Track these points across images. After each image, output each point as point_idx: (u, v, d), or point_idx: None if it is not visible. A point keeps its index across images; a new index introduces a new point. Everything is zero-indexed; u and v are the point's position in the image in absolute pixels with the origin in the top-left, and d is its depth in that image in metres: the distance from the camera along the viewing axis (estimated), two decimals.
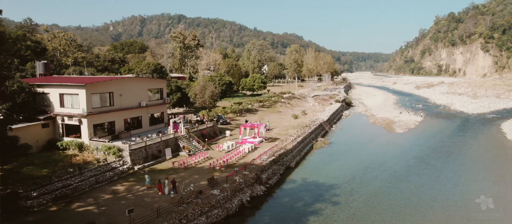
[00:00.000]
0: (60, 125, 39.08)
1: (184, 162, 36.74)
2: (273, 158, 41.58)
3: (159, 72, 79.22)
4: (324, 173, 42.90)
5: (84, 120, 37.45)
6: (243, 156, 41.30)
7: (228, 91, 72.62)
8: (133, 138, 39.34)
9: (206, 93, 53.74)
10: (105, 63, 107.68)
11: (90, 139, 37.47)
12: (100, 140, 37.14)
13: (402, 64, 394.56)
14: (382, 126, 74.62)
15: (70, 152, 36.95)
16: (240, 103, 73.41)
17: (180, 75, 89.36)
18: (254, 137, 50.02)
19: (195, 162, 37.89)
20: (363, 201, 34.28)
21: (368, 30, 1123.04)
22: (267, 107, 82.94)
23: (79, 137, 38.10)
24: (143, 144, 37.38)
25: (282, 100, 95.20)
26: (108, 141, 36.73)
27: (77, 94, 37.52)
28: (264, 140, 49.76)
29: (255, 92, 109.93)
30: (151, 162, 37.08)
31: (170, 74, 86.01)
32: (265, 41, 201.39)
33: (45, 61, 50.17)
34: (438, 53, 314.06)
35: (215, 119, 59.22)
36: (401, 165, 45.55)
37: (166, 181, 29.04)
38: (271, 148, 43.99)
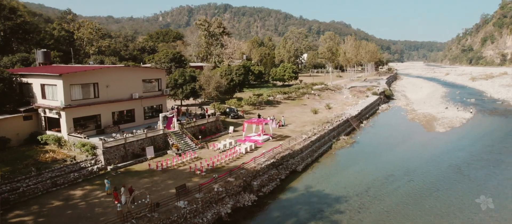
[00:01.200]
0: (43, 118, 36.65)
1: (162, 164, 32.40)
2: (272, 161, 35.86)
3: (178, 61, 76.05)
4: (334, 181, 36.36)
5: (63, 113, 34.52)
6: (238, 158, 36.09)
7: (245, 82, 67.52)
8: (114, 134, 35.79)
9: (211, 84, 49.14)
10: (134, 52, 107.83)
11: (68, 134, 34.53)
12: (77, 135, 34.02)
13: (459, 53, 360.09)
14: (420, 124, 65.01)
15: (49, 147, 34.37)
16: (259, 95, 67.90)
17: (201, 64, 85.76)
18: (260, 135, 44.51)
19: (178, 164, 33.42)
20: (370, 223, 27.57)
21: (422, 17, 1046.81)
22: (292, 99, 76.51)
23: (59, 131, 35.34)
24: (123, 141, 33.61)
25: (312, 91, 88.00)
26: (84, 137, 33.46)
27: (55, 85, 34.60)
28: (271, 138, 44.04)
29: (285, 83, 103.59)
30: (130, 162, 33.25)
31: (190, 64, 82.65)
32: (304, 29, 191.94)
33: (45, 50, 48.55)
34: (503, 41, 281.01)
35: (220, 112, 54.69)
36: (431, 175, 37.46)
37: (122, 189, 24.79)
38: (272, 148, 38.22)
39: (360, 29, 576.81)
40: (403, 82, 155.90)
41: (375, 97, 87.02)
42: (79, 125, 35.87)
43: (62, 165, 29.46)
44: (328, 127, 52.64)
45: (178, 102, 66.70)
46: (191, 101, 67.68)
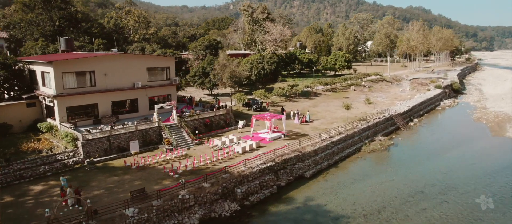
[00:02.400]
0: (44, 106, 36.46)
1: (139, 161, 29.52)
2: (269, 164, 30.84)
3: (214, 48, 73.42)
4: (345, 194, 30.08)
5: (55, 101, 33.68)
6: (231, 158, 31.77)
7: (279, 71, 62.01)
8: (102, 126, 34.01)
9: (225, 73, 45.08)
10: (183, 40, 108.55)
11: (60, 123, 33.64)
12: (65, 124, 32.89)
13: None
14: (487, 125, 53.24)
15: (44, 135, 33.94)
16: (294, 86, 62.08)
17: (239, 51, 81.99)
18: (274, 131, 39.47)
19: (158, 162, 30.30)
20: None
21: None
22: (334, 91, 69.04)
23: (55, 119, 34.73)
24: (107, 134, 31.57)
25: (363, 83, 78.96)
26: (71, 127, 32.15)
27: (49, 73, 33.81)
28: (283, 136, 38.72)
29: (337, 73, 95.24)
30: (113, 156, 31.06)
31: (231, 51, 79.52)
32: (370, 14, 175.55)
33: (67, 37, 49.14)
34: None
35: (243, 103, 50.60)
36: (473, 197, 28.85)
37: (69, 189, 22.31)
38: (272, 150, 33.04)
39: (441, 15, 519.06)
40: (483, 74, 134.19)
41: (437, 91, 74.71)
42: (75, 114, 34.90)
43: (36, 157, 28.31)
44: (360, 125, 45.25)
45: (207, 92, 64.31)
46: (221, 90, 64.71)
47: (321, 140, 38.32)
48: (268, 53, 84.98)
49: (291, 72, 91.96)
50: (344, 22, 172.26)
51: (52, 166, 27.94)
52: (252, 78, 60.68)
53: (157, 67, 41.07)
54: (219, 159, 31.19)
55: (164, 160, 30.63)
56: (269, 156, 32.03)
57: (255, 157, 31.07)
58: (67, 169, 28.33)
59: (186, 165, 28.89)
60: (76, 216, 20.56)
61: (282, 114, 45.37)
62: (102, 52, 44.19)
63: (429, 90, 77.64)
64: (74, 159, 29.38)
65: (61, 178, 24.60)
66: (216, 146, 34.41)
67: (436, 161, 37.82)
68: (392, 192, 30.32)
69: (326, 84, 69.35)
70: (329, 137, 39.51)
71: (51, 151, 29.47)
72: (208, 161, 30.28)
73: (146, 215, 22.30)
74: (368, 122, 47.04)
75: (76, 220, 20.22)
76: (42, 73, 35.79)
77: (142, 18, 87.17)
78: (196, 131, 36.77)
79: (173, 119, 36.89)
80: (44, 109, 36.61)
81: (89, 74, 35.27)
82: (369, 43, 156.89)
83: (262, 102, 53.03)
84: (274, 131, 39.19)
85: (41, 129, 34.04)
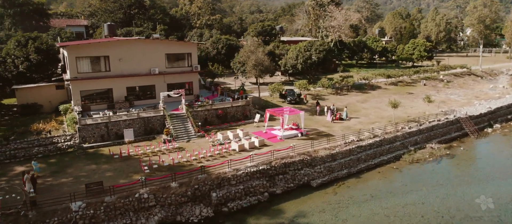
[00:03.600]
0: (68, 89, 38.13)
1: (121, 152, 28.23)
2: (262, 167, 26.73)
3: (268, 34, 69.78)
4: (347, 214, 24.52)
5: (71, 85, 34.71)
6: (222, 156, 28.52)
7: (326, 61, 54.97)
8: (106, 111, 33.82)
9: (250, 61, 41.12)
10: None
11: (74, 106, 34.65)
12: (76, 108, 33.65)
13: None
14: None
15: (61, 117, 35.51)
16: (345, 77, 55.05)
17: (296, 38, 76.14)
18: (292, 128, 34.88)
19: (146, 153, 28.69)
20: None
21: None
22: (395, 85, 59.51)
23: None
24: (106, 120, 31.21)
25: (441, 76, 66.86)
26: (77, 111, 32.65)
27: (66, 57, 34.88)
28: (300, 134, 33.76)
29: (415, 64, 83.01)
30: (107, 143, 30.57)
31: (282, 38, 74.79)
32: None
33: (110, 23, 50.95)
34: None
35: (279, 94, 46.41)
36: None
37: (26, 176, 21.98)
38: (272, 150, 28.62)
39: None
40: None
41: None
42: (89, 98, 35.65)
43: (34, 138, 29.28)
44: (407, 128, 37.33)
45: (251, 80, 61.43)
46: (267, 79, 61.20)
47: (345, 143, 32.32)
48: (332, 40, 77.84)
49: (361, 62, 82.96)
50: (436, 6, 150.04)
51: (45, 148, 28.57)
52: (298, 67, 55.58)
53: (177, 53, 39.62)
54: (211, 156, 28.24)
55: (152, 152, 28.97)
56: (265, 158, 27.86)
57: (246, 157, 27.23)
58: (58, 152, 28.71)
59: (163, 161, 26.67)
60: (16, 205, 20.02)
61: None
62: (121, 38, 44.32)
63: None
64: (69, 143, 29.67)
65: (33, 162, 24.72)
66: (217, 140, 31.47)
67: (495, 187, 28.70)
68: (413, 219, 23.58)
69: (389, 76, 60.04)
70: (357, 140, 33.19)
71: (50, 134, 30.26)
72: (194, 157, 27.59)
73: (92, 211, 20.77)
74: (420, 125, 38.62)
75: (14, 209, 19.64)
76: (65, 57, 37.33)
77: (205, 4, 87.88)
78: (199, 123, 34.25)
79: (182, 108, 35.07)
80: (69, 92, 38.33)
81: (103, 59, 35.48)
82: (468, 30, 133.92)
83: (300, 94, 48.04)
84: (290, 129, 34.52)
85: (60, 111, 35.60)
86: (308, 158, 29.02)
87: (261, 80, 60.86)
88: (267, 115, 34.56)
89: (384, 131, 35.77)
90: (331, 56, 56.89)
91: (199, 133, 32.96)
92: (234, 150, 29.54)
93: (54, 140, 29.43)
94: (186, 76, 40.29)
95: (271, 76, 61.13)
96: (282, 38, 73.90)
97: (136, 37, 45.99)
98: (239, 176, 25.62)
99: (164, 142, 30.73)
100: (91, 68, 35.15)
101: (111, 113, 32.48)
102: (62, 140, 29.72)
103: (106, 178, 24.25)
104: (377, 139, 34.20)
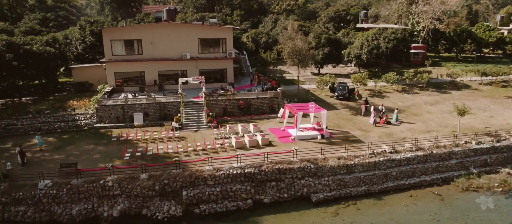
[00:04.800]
0: None
1: (120, 136, 28.18)
2: (249, 170, 23.49)
3: (342, 20, 62.93)
4: None
5: (106, 67, 36.68)
6: (214, 152, 26.13)
7: (397, 52, 45.53)
8: (137, 94, 34.57)
9: (286, 48, 36.46)
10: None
11: (109, 86, 36.62)
12: (105, 87, 35.43)
13: None
14: None
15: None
16: (419, 73, 45.69)
17: (376, 25, 65.71)
18: (314, 128, 30.24)
19: (143, 139, 28.18)
20: None
21: None
22: (492, 86, 46.87)
23: None
24: (123, 102, 31.92)
25: None
26: (106, 92, 34.22)
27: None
28: (321, 136, 28.84)
29: None
30: (120, 124, 31.23)
31: (361, 25, 66.11)
32: None
33: (169, 8, 52.17)
34: None
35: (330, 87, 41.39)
36: None
37: (17, 148, 23.60)
38: (266, 153, 24.83)
39: None
40: None
41: None
42: (123, 80, 37.22)
43: (61, 114, 31.75)
44: (474, 143, 28.61)
45: (312, 70, 56.50)
46: (336, 70, 55.45)
47: (371, 153, 26.33)
48: (423, 27, 66.09)
49: (464, 55, 68.54)
50: None
51: (66, 124, 30.74)
52: (363, 58, 48.49)
53: (211, 38, 38.19)
54: (203, 150, 26.23)
55: (153, 139, 28.40)
56: (258, 159, 24.43)
57: (232, 156, 24.29)
58: (75, 129, 30.53)
59: (147, 149, 25.70)
60: None
61: (365, 105, 34.86)
62: (153, 23, 44.53)
63: None
64: (88, 121, 31.34)
65: (36, 136, 26.58)
66: (222, 133, 29.15)
67: None
68: None
69: (485, 74, 47.55)
70: (390, 152, 26.75)
71: (74, 111, 32.43)
72: (192, 149, 25.99)
73: (55, 191, 21.11)
74: (497, 141, 29.21)
75: None
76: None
77: None
78: (210, 113, 32.19)
79: (202, 96, 33.71)
80: None
81: (136, 42, 36.36)
82: None
83: (353, 89, 41.79)
84: (311, 128, 29.89)
85: (98, 90, 38.16)
86: (312, 166, 24.42)
87: (328, 70, 55.40)
88: (286, 111, 30.53)
89: (435, 144, 28.00)
90: (404, 46, 47.82)
91: (210, 124, 31.12)
92: (231, 146, 26.83)
93: (75, 118, 31.47)
94: (220, 62, 38.70)
95: (334, 67, 55.20)
96: (361, 25, 65.72)
97: (196, 22, 46.34)
98: (217, 176, 22.98)
99: (172, 130, 29.91)
100: (125, 51, 36.43)
101: (130, 96, 33.13)
102: (82, 118, 31.57)
103: (91, 160, 24.54)
104: (421, 153, 26.96)
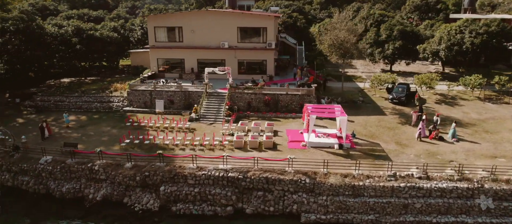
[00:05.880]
0: None
1: (133, 121, 28.60)
2: (232, 174, 21.35)
3: (430, 9, 53.19)
4: None
5: (150, 52, 38.15)
6: (210, 148, 24.56)
7: (490, 48, 34.58)
8: (165, 80, 35.01)
9: (327, 39, 31.28)
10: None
11: (150, 70, 38.14)
12: (145, 74, 36.84)
13: None
14: None
15: None
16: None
17: (463, 15, 51.86)
18: (336, 135, 26.07)
19: (156, 126, 28.22)
20: None
21: None
22: None
23: None
24: (151, 88, 32.70)
25: None
26: (140, 77, 35.59)
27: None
28: (340, 146, 24.59)
29: None
30: (145, 110, 32.07)
31: (452, 15, 54.28)
32: None
33: None
34: None
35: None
36: None
37: (39, 124, 26.11)
38: (255, 157, 22.03)
39: None
40: None
41: None
42: (165, 66, 38.30)
43: (100, 95, 34.27)
44: None
45: (382, 66, 49.58)
46: (411, 67, 47.71)
47: (390, 175, 21.28)
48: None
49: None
50: None
51: (101, 105, 33.07)
52: (440, 55, 40.05)
53: (251, 27, 36.20)
54: (200, 145, 25.03)
55: (165, 127, 28.35)
56: (247, 164, 22.04)
57: (218, 157, 22.36)
58: (107, 111, 32.57)
59: (144, 137, 25.51)
60: (8, 146, 24.20)
61: (417, 113, 29.07)
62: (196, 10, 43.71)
63: None
64: (120, 104, 33.13)
65: (64, 114, 29.05)
66: (231, 129, 27.36)
67: None
68: None
69: None
70: (418, 177, 21.23)
71: (111, 94, 34.58)
72: (197, 142, 25.14)
73: (50, 168, 22.67)
74: None
75: (7, 149, 23.92)
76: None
77: None
78: (227, 107, 30.40)
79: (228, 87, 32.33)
80: None
81: (177, 29, 36.74)
82: None
83: (415, 92, 34.98)
84: (330, 135, 25.78)
85: (143, 74, 40.11)
86: (307, 181, 20.91)
87: (401, 68, 47.92)
88: (306, 116, 26.86)
89: (493, 174, 21.09)
90: (498, 42, 37.68)
91: (228, 118, 29.59)
92: (231, 145, 24.90)
93: (111, 100, 33.62)
94: (259, 53, 36.52)
95: (407, 64, 47.21)
96: (455, 15, 54.45)
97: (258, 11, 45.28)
98: (197, 176, 21.51)
99: (190, 121, 29.48)
100: (167, 38, 37.22)
101: (160, 82, 33.80)
102: (116, 101, 33.53)
103: (98, 142, 25.68)
104: (465, 184, 20.65)
